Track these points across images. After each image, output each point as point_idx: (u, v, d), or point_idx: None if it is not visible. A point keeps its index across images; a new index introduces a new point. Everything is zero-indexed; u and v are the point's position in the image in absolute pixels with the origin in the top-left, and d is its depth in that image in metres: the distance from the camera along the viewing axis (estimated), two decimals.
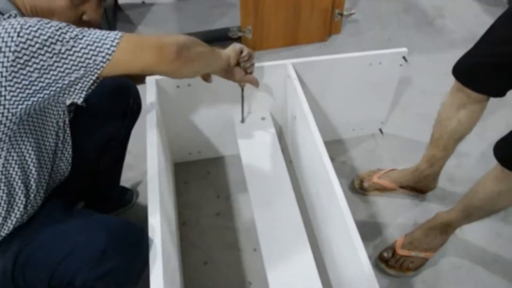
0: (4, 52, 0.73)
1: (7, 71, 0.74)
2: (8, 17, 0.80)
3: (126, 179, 1.55)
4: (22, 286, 0.94)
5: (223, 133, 1.56)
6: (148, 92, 1.29)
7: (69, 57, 0.78)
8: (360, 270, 0.96)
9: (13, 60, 0.74)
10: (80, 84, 0.81)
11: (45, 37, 0.75)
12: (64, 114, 1.00)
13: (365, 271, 0.94)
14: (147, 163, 1.07)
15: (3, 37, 0.73)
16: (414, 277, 1.34)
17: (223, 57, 1.10)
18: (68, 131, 1.03)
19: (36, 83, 0.77)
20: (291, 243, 1.16)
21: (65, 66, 0.78)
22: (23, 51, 0.74)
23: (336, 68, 1.46)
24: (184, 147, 1.60)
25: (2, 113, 0.78)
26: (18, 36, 0.73)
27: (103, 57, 0.80)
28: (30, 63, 0.75)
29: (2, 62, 0.73)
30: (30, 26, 0.75)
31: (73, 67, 0.79)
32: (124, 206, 1.51)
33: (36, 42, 0.74)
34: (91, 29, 0.82)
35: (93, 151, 1.18)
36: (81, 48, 0.78)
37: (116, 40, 0.81)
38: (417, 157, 1.49)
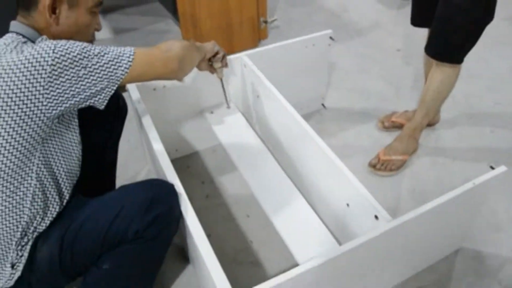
0: (43, 66, 0.92)
1: (44, 81, 0.93)
2: (41, 41, 0.99)
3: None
4: (69, 266, 1.08)
5: (197, 129, 1.77)
6: (133, 96, 1.48)
7: (95, 71, 0.99)
8: (342, 179, 1.22)
9: (50, 72, 0.93)
10: (103, 94, 1.02)
11: (75, 54, 0.96)
12: (77, 126, 1.16)
13: (348, 179, 1.20)
14: (156, 156, 1.25)
15: (41, 54, 0.93)
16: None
17: (202, 52, 1.36)
18: (79, 139, 1.18)
19: (67, 91, 0.96)
20: (281, 190, 1.40)
21: (91, 78, 0.99)
22: (57, 65, 0.93)
23: (280, 54, 1.75)
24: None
25: (39, 117, 0.96)
26: (53, 52, 0.93)
27: (122, 70, 1.02)
28: (63, 75, 0.95)
29: (41, 74, 0.93)
30: (62, 45, 0.95)
31: (98, 79, 1.00)
32: None
33: (68, 58, 0.95)
34: (108, 46, 1.03)
35: (93, 152, 1.33)
36: (104, 63, 1.00)
37: (131, 56, 1.04)
38: (358, 120, 1.84)
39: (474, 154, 1.84)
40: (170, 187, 1.12)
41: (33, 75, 0.92)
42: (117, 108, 1.42)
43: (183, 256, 1.50)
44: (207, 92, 1.68)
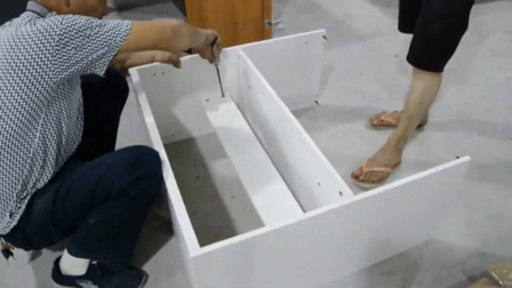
0: (52, 35, 1.06)
1: (53, 49, 1.07)
2: (50, 15, 1.13)
3: None
4: (61, 219, 1.20)
5: (193, 116, 1.89)
6: (134, 79, 1.61)
7: (97, 38, 1.12)
8: (315, 160, 1.32)
9: (57, 41, 1.07)
10: (103, 59, 1.15)
11: (80, 25, 1.09)
12: (80, 95, 1.30)
13: (319, 160, 1.30)
14: (150, 136, 1.38)
15: (50, 25, 1.06)
16: None
17: (203, 35, 1.47)
18: (82, 108, 1.32)
19: (72, 58, 1.10)
20: (265, 174, 1.51)
21: (94, 45, 1.12)
22: (64, 35, 1.07)
23: (274, 50, 1.87)
24: (160, 131, 1.91)
25: (46, 81, 1.09)
26: (61, 24, 1.07)
27: (121, 37, 1.15)
28: (69, 44, 1.08)
29: (50, 42, 1.06)
30: (68, 18, 1.09)
31: (100, 46, 1.12)
32: None
33: (74, 28, 1.08)
34: (109, 20, 1.16)
35: (95, 122, 1.47)
36: (105, 31, 1.13)
37: (129, 25, 1.16)
38: (350, 118, 1.93)
39: (460, 154, 1.91)
40: (154, 153, 1.24)
41: (43, 43, 1.06)
42: (118, 87, 1.55)
43: (169, 229, 1.60)
44: (203, 81, 1.80)
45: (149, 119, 1.42)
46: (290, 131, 1.47)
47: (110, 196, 1.16)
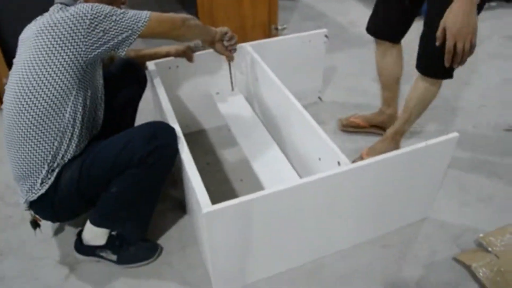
0: (84, 19, 1.22)
1: (84, 31, 1.23)
2: (80, 3, 1.30)
3: None
4: (85, 188, 1.34)
5: (204, 108, 2.04)
6: (151, 72, 1.76)
7: (122, 23, 1.28)
8: (316, 138, 1.45)
9: (88, 25, 1.23)
10: (126, 41, 1.31)
11: (106, 12, 1.26)
12: (101, 77, 1.45)
13: (320, 137, 1.43)
14: (163, 108, 1.52)
15: (82, 11, 1.23)
16: None
17: (212, 31, 1.63)
18: (103, 90, 1.46)
19: (101, 39, 1.26)
20: (272, 158, 1.62)
21: (119, 28, 1.28)
22: (94, 19, 1.23)
23: (280, 47, 2.02)
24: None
25: (78, 60, 1.25)
26: (91, 9, 1.23)
27: (142, 23, 1.32)
28: (98, 27, 1.24)
29: (82, 25, 1.22)
30: (97, 5, 1.25)
31: (124, 29, 1.29)
32: None
33: (102, 14, 1.24)
34: (128, 10, 1.33)
35: (118, 108, 1.62)
36: (128, 17, 1.30)
37: (148, 14, 1.34)
38: (351, 112, 2.11)
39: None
40: (171, 128, 1.38)
41: (76, 26, 1.22)
42: (138, 77, 1.71)
43: (182, 209, 1.73)
44: (214, 75, 1.95)
45: (167, 107, 1.56)
46: (294, 114, 1.61)
47: (130, 165, 1.29)
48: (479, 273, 1.37)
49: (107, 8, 1.26)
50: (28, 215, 1.44)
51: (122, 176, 1.32)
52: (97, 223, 1.45)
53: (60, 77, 1.25)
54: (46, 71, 1.23)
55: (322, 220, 1.40)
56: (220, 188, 1.81)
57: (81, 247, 1.50)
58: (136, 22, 1.30)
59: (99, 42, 1.25)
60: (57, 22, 1.22)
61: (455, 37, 1.34)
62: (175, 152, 1.38)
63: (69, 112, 1.29)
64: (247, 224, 1.26)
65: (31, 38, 1.26)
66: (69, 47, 1.22)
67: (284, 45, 2.03)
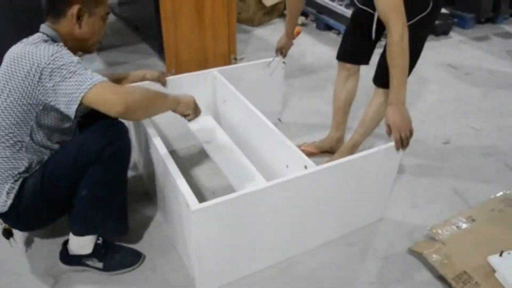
0: (40, 63, 1.27)
1: (39, 74, 1.27)
2: (53, 42, 1.37)
3: None
4: (51, 191, 1.42)
5: (175, 130, 2.17)
6: None
7: (65, 84, 1.27)
8: (284, 147, 1.63)
9: (41, 69, 1.27)
10: (70, 107, 1.28)
11: (61, 63, 1.28)
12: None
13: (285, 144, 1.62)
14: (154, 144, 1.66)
15: (45, 53, 1.28)
16: None
17: (170, 104, 1.53)
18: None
19: (49, 91, 1.28)
20: (240, 168, 1.78)
21: (62, 90, 1.27)
22: (49, 65, 1.27)
23: (242, 73, 2.22)
24: None
25: (34, 96, 1.30)
26: (51, 56, 1.28)
27: (79, 94, 1.27)
28: (51, 75, 1.27)
29: (39, 67, 1.27)
30: (58, 51, 1.30)
31: (64, 94, 1.28)
32: None
33: (58, 62, 1.28)
34: (88, 70, 1.31)
35: None
36: (72, 82, 1.27)
37: (89, 86, 1.26)
38: (308, 133, 2.30)
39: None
40: (119, 122, 1.49)
41: (35, 66, 1.28)
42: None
43: (159, 220, 1.84)
44: None
45: (151, 130, 1.67)
46: (261, 128, 1.79)
47: (89, 163, 1.39)
48: (431, 258, 1.57)
49: (66, 60, 1.29)
50: None
51: (87, 176, 1.41)
52: (79, 233, 1.53)
53: (17, 107, 1.32)
54: (8, 98, 1.32)
55: (292, 221, 1.57)
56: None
57: (67, 257, 1.57)
58: (75, 91, 1.27)
59: (47, 93, 1.30)
60: (24, 55, 1.30)
61: (399, 130, 1.64)
62: (128, 142, 1.49)
63: (29, 135, 1.37)
64: (229, 224, 1.40)
65: (6, 62, 1.34)
66: (26, 83, 1.30)
67: (246, 71, 2.23)
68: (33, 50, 1.30)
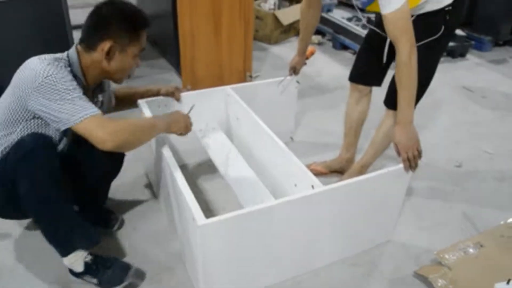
0: (35, 79, 1.35)
1: (34, 89, 1.36)
2: (64, 66, 1.44)
3: None
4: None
5: (187, 144, 2.21)
6: (144, 111, 1.93)
7: (59, 109, 1.36)
8: (293, 166, 1.65)
9: (36, 87, 1.35)
10: (56, 126, 1.40)
11: (54, 87, 1.35)
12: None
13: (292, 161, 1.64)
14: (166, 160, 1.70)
15: (42, 72, 1.35)
16: None
17: (161, 130, 1.58)
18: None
19: (40, 105, 1.37)
20: (249, 185, 1.81)
21: (55, 113, 1.36)
22: (42, 84, 1.35)
23: (256, 91, 2.26)
24: None
25: (25, 105, 1.40)
26: (46, 77, 1.35)
27: (69, 123, 1.36)
28: (42, 94, 1.35)
29: (34, 83, 1.35)
30: (54, 75, 1.36)
31: (56, 117, 1.37)
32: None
33: (49, 86, 1.35)
34: (82, 99, 1.38)
35: (92, 183, 1.75)
36: (65, 109, 1.35)
37: (80, 118, 1.36)
38: (319, 152, 2.33)
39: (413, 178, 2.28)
40: (39, 138, 1.45)
41: (29, 81, 1.36)
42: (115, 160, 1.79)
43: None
44: (197, 113, 2.13)
45: (162, 143, 1.72)
46: (272, 146, 1.82)
47: (10, 182, 1.41)
48: (437, 283, 1.57)
49: (63, 86, 1.36)
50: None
51: (20, 198, 1.41)
52: (61, 254, 1.53)
53: (10, 110, 1.43)
54: (5, 101, 1.45)
55: (298, 240, 1.58)
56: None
57: (72, 272, 1.59)
58: (66, 119, 1.36)
59: (38, 105, 1.38)
60: (28, 65, 1.40)
61: (405, 149, 1.65)
62: (29, 150, 1.41)
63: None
64: (235, 240, 1.42)
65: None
66: (23, 91, 1.38)
67: (260, 89, 2.27)
68: (36, 65, 1.38)
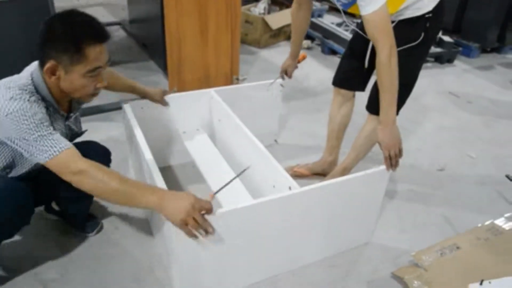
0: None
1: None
2: (28, 94, 1.35)
3: None
4: None
5: (171, 146, 2.23)
6: (127, 111, 1.94)
7: (22, 145, 1.32)
8: (272, 168, 1.67)
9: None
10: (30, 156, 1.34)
11: (19, 128, 1.30)
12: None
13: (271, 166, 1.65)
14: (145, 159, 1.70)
15: (4, 108, 1.29)
16: None
17: (145, 202, 1.31)
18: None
19: (4, 137, 1.34)
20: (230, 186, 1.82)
21: (26, 148, 1.32)
22: (5, 123, 1.30)
23: (240, 94, 2.27)
24: None
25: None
26: (6, 116, 1.28)
27: (41, 159, 1.32)
28: (7, 130, 1.31)
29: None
30: (16, 112, 1.29)
31: (23, 150, 1.33)
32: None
33: (16, 123, 1.29)
34: (54, 136, 1.32)
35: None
36: (37, 147, 1.31)
37: (51, 156, 1.31)
38: (303, 155, 2.34)
39: (393, 181, 2.30)
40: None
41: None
42: None
43: (150, 232, 1.88)
44: (181, 115, 2.16)
45: (144, 144, 1.72)
46: (252, 148, 1.83)
47: None
48: (412, 284, 1.58)
49: (32, 122, 1.31)
50: None
51: None
52: None
53: None
54: None
55: (275, 240, 1.59)
56: None
57: None
58: (39, 156, 1.32)
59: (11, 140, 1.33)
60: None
61: (388, 148, 1.68)
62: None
63: None
64: (211, 241, 1.43)
65: None
66: None
67: (244, 92, 2.28)
68: (0, 96, 1.32)
